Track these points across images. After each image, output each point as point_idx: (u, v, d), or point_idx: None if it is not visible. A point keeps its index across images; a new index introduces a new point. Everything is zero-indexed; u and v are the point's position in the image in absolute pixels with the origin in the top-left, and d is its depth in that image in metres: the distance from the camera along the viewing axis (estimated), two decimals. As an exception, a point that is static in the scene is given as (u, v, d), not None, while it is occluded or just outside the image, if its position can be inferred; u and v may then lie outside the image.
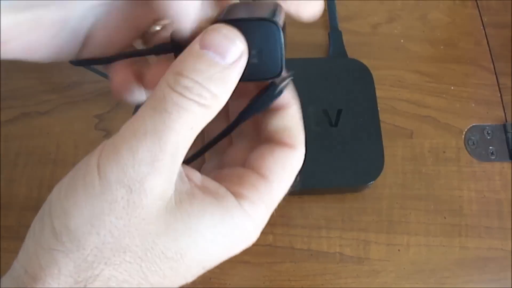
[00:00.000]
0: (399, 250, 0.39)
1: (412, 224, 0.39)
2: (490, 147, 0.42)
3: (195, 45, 0.19)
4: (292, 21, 0.22)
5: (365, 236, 0.39)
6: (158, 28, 0.24)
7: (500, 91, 0.45)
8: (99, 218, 0.18)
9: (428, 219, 0.40)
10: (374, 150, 0.39)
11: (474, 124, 0.43)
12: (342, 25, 0.47)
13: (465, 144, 0.42)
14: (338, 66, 0.43)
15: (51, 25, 0.21)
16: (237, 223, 0.20)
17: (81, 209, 0.18)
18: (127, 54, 0.23)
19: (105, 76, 0.43)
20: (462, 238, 0.39)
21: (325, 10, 0.47)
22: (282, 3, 0.21)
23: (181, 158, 0.19)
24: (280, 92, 0.21)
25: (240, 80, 0.19)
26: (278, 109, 0.22)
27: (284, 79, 0.20)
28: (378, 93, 0.41)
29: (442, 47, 0.47)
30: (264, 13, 0.19)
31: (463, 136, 0.43)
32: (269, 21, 0.19)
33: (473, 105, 0.44)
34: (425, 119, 0.43)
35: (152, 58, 0.24)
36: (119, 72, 0.24)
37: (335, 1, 0.47)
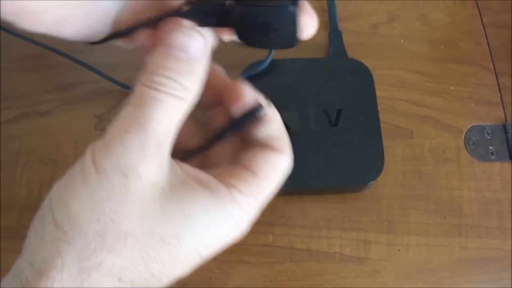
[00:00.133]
0: (399, 250, 0.39)
1: (412, 224, 0.39)
2: (490, 147, 0.42)
3: (161, 47, 0.21)
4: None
5: (365, 236, 0.39)
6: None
7: (500, 91, 0.45)
8: (99, 205, 0.19)
9: (428, 219, 0.40)
10: (374, 150, 0.39)
11: (474, 124, 0.43)
12: (342, 25, 0.47)
13: (465, 144, 0.42)
14: (338, 66, 0.43)
15: (82, 3, 0.23)
16: (229, 211, 0.21)
17: (80, 198, 0.19)
18: (144, 22, 0.25)
19: (105, 76, 0.43)
20: (462, 238, 0.39)
21: (325, 10, 0.47)
22: None
23: (167, 146, 0.20)
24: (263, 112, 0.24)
25: (268, 47, 0.24)
26: (265, 121, 0.23)
27: (261, 107, 0.23)
28: (378, 93, 0.41)
29: (442, 47, 0.47)
30: None
31: (463, 136, 0.43)
32: (288, 7, 0.23)
33: (473, 105, 0.44)
34: (425, 119, 0.43)
35: None
36: (147, 41, 0.25)
37: (335, 1, 0.47)
